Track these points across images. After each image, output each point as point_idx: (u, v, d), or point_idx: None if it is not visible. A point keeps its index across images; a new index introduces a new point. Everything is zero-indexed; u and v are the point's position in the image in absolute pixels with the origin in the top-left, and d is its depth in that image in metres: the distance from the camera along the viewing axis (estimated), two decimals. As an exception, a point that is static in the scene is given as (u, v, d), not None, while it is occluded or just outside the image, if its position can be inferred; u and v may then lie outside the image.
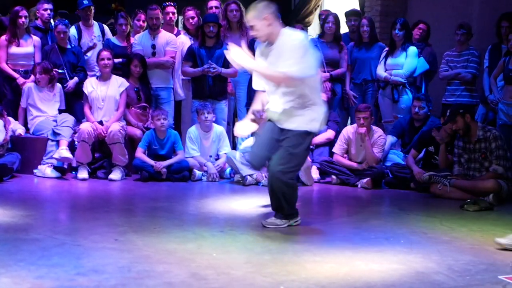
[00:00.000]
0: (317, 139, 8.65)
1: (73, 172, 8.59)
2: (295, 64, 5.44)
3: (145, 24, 9.79)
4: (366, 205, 7.45)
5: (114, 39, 9.49)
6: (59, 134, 8.48)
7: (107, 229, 5.61)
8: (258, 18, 5.56)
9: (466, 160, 7.67)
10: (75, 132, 8.58)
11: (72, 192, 7.83)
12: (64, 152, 8.30)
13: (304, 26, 11.95)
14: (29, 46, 9.13)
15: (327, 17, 9.61)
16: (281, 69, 5.48)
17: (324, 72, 9.23)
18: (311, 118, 5.66)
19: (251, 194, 7.66)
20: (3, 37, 9.07)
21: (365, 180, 8.24)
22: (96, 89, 8.72)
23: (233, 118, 9.68)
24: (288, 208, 5.80)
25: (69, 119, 8.69)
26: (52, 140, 8.53)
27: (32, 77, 8.95)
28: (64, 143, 8.39)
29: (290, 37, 5.59)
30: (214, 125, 8.77)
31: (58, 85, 9.02)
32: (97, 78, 8.87)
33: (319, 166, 8.59)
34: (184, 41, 9.47)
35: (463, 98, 8.97)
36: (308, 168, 8.24)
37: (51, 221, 6.15)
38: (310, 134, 5.75)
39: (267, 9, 5.57)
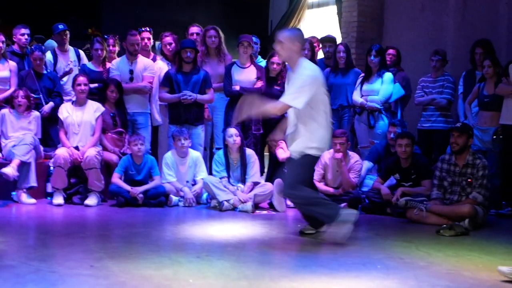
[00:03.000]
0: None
1: (48, 198, 8.52)
2: (290, 93, 6.07)
3: (115, 48, 9.83)
4: (343, 230, 7.44)
5: (90, 64, 9.47)
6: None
7: (83, 255, 5.57)
8: (290, 40, 6.14)
9: (450, 183, 7.71)
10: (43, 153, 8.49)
11: (47, 218, 7.75)
12: (6, 168, 8.11)
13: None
14: (5, 70, 9.06)
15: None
16: (282, 97, 6.19)
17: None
18: (307, 141, 6.23)
19: (228, 219, 7.64)
20: (-21, 61, 9.02)
21: (341, 205, 8.23)
22: (71, 114, 8.68)
23: (210, 143, 9.66)
24: (323, 217, 6.30)
25: (26, 137, 8.47)
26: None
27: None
28: (15, 162, 8.21)
29: (303, 69, 6.11)
30: (190, 150, 8.75)
31: (36, 112, 8.87)
32: (72, 103, 8.82)
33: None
34: (162, 67, 9.46)
35: (439, 124, 9.07)
36: (281, 193, 8.25)
37: (25, 248, 6.07)
38: (307, 156, 6.27)
39: (300, 39, 6.20)
